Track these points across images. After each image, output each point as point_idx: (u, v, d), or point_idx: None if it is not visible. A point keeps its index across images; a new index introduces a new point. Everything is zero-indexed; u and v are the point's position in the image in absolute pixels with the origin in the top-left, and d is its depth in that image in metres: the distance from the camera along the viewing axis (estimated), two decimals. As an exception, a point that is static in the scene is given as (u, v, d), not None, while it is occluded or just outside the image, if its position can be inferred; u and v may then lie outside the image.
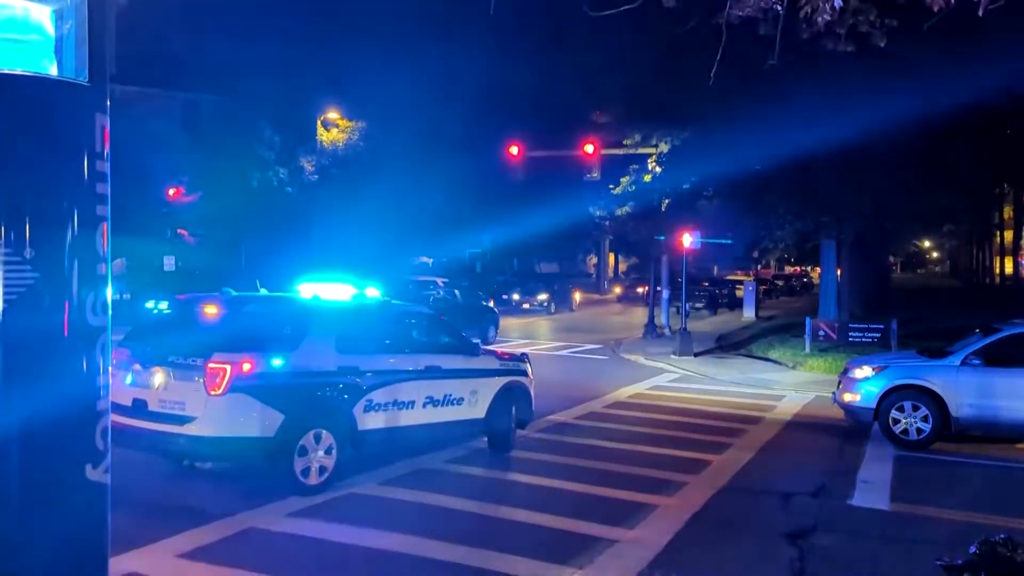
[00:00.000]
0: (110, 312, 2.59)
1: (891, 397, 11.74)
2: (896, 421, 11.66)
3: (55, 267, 2.44)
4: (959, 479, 10.06)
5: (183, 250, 34.08)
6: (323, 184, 36.08)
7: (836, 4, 5.53)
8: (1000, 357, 11.50)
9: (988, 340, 11.87)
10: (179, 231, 34.06)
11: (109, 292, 2.59)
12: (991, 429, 11.65)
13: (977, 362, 11.53)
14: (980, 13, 5.39)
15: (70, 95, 2.50)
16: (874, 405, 11.80)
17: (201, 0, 34.05)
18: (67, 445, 2.49)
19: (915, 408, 11.61)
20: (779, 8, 6.04)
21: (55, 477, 2.45)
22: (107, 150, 2.56)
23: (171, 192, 32.78)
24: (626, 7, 6.25)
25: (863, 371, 12.32)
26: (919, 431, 11.58)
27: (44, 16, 2.52)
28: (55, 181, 2.44)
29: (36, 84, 2.45)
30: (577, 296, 43.72)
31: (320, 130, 37.41)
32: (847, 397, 12.25)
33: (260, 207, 33.44)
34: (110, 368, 7.43)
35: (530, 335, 28.24)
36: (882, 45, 7.55)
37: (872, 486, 9.44)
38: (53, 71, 2.56)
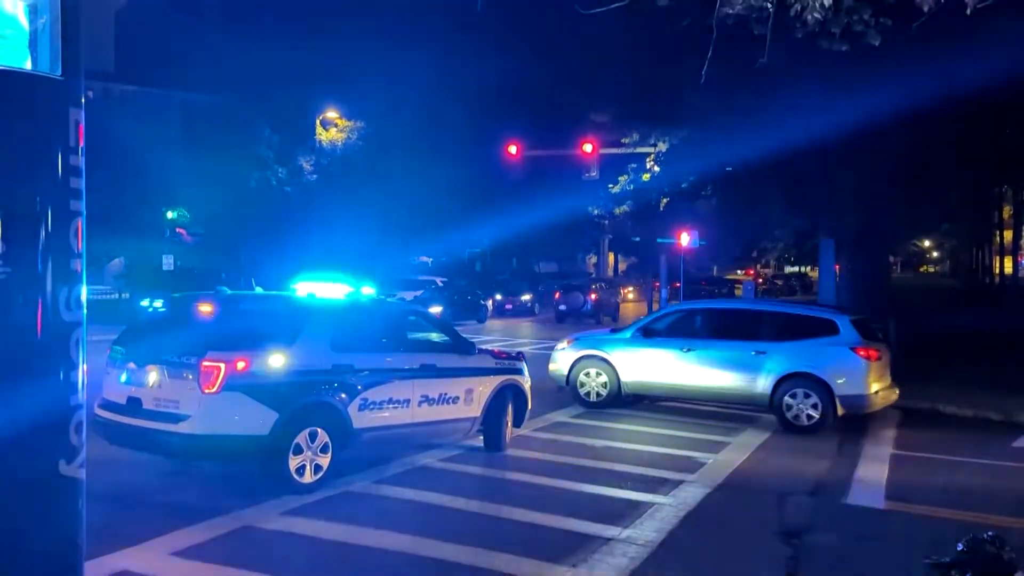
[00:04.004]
0: (85, 308, 2.58)
1: (578, 364, 13.73)
2: (583, 384, 13.65)
3: (28, 262, 2.42)
4: (953, 478, 10.04)
5: (182, 249, 34.14)
6: (322, 184, 36.12)
7: (826, 2, 5.53)
8: (654, 331, 13.71)
9: (650, 317, 14.65)
10: (177, 230, 34.11)
11: (84, 288, 2.57)
12: (648, 392, 13.80)
13: (640, 336, 13.69)
14: (968, 12, 5.40)
15: (44, 89, 2.49)
16: (567, 372, 13.81)
17: (201, 0, 34.09)
18: (40, 441, 2.47)
19: (597, 374, 13.60)
20: (769, 7, 6.04)
21: (27, 473, 2.43)
22: (82, 145, 2.54)
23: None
24: (617, 4, 6.25)
25: (562, 344, 14.49)
26: (599, 394, 13.58)
27: (18, 10, 2.50)
28: (28, 176, 2.42)
29: (9, 78, 2.43)
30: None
31: (319, 129, 37.42)
32: (551, 367, 14.15)
33: (259, 207, 33.50)
34: (110, 368, 7.40)
35: (526, 335, 28.22)
36: (876, 44, 7.57)
37: (867, 485, 9.44)
38: (27, 65, 2.54)
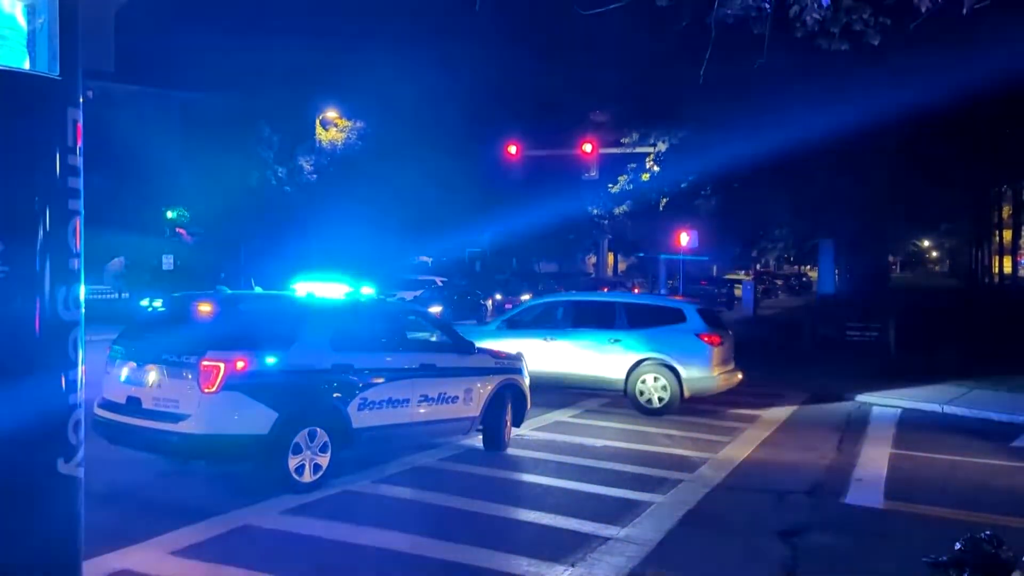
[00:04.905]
0: (83, 308, 2.59)
1: None
2: None
3: (26, 261, 2.43)
4: (952, 478, 10.05)
5: (182, 249, 34.13)
6: (321, 183, 36.12)
7: (824, 3, 5.54)
8: (519, 323, 14.52)
9: (515, 310, 15.39)
10: (177, 230, 34.11)
11: (82, 288, 2.59)
12: None
13: (503, 328, 14.38)
14: (964, 12, 5.41)
15: (42, 89, 2.49)
16: None
17: (201, 0, 34.06)
18: (38, 439, 2.48)
19: None
20: (767, 7, 6.04)
21: (25, 471, 2.44)
22: (80, 144, 2.55)
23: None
24: (615, 5, 6.25)
25: None
26: None
27: (16, 10, 2.51)
28: (26, 175, 2.43)
29: (7, 78, 2.44)
30: None
31: (319, 129, 37.41)
32: None
33: (258, 206, 33.51)
34: (109, 368, 7.41)
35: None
36: (876, 44, 7.57)
37: (866, 484, 9.43)
38: (25, 65, 2.54)
